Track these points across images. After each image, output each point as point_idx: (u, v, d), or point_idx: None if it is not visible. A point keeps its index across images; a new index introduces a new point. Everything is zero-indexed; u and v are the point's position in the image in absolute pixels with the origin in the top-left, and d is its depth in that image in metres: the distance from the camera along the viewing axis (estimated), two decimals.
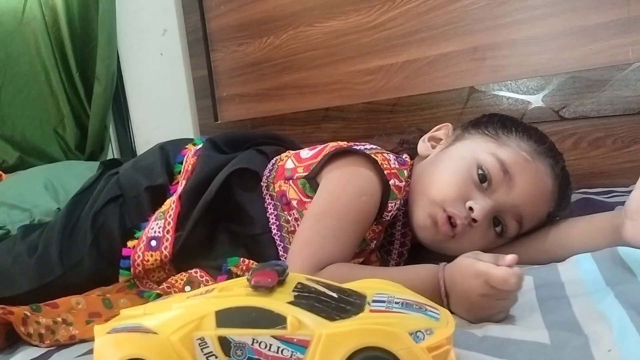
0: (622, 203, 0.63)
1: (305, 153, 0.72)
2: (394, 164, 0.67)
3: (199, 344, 0.37)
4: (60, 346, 0.61)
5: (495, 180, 0.63)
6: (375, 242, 0.68)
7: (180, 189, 0.72)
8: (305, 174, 0.67)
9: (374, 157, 0.65)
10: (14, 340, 0.63)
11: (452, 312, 0.46)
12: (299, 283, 0.41)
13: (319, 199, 0.64)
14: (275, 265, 0.40)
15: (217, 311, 0.37)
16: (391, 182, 0.64)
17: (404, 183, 0.66)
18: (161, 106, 1.61)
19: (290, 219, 0.67)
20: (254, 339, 0.36)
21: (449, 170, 0.65)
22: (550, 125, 0.94)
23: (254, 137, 0.82)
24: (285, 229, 0.67)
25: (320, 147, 0.71)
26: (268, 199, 0.69)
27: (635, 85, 0.88)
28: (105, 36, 1.52)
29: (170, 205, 0.70)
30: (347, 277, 0.45)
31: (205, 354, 0.37)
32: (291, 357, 0.36)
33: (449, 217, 0.62)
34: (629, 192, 0.59)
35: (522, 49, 1.00)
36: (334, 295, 0.40)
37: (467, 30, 1.06)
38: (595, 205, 0.77)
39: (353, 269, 0.60)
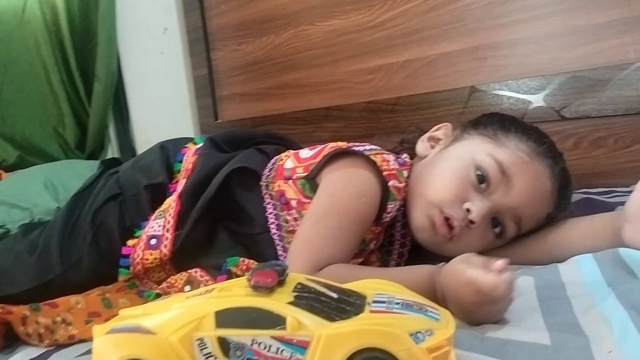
0: (623, 203, 0.63)
1: (304, 153, 0.71)
2: (394, 164, 0.66)
3: (198, 345, 0.37)
4: (60, 346, 0.61)
5: (493, 182, 0.62)
6: (374, 242, 0.68)
7: (180, 187, 0.72)
8: (305, 174, 0.67)
9: (373, 158, 0.65)
10: (13, 340, 0.63)
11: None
12: (298, 283, 0.41)
13: (319, 199, 0.64)
14: (275, 266, 0.40)
15: (217, 311, 0.37)
16: (390, 183, 0.64)
17: (403, 184, 0.66)
18: (161, 105, 1.61)
19: (289, 218, 0.67)
20: (253, 340, 0.36)
21: (446, 171, 0.65)
22: (551, 125, 0.94)
23: (255, 136, 0.82)
24: (285, 228, 0.67)
25: (319, 147, 0.70)
26: (267, 198, 0.69)
27: (636, 84, 0.88)
28: (105, 35, 1.52)
29: (170, 204, 0.70)
30: (346, 277, 0.45)
31: (204, 355, 0.37)
32: (291, 357, 0.36)
33: (447, 219, 0.62)
34: (630, 192, 0.59)
35: (523, 49, 1.00)
36: (334, 295, 0.40)
37: (468, 29, 1.05)
38: (596, 205, 0.77)
39: (352, 270, 0.60)
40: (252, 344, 0.36)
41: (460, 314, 0.49)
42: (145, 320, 0.39)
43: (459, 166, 0.64)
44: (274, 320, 0.36)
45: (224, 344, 0.37)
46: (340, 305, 0.39)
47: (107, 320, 0.43)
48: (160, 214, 0.70)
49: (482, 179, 0.63)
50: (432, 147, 0.72)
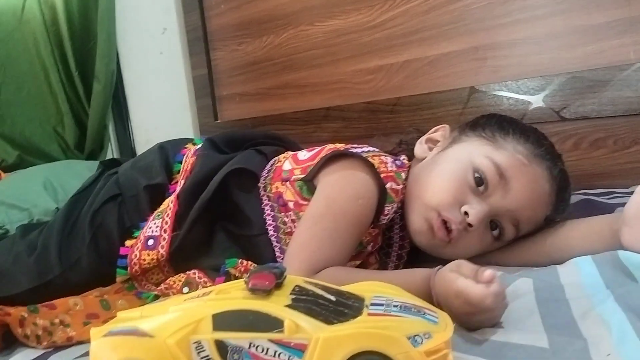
0: (623, 204, 0.62)
1: (302, 155, 0.71)
2: (391, 166, 0.66)
3: (196, 348, 0.37)
4: (58, 348, 0.61)
5: (491, 184, 0.62)
6: (372, 245, 0.68)
7: (179, 188, 0.72)
8: (303, 176, 0.67)
9: (370, 160, 0.65)
10: (11, 342, 0.63)
11: None
12: (296, 286, 0.40)
13: (316, 201, 0.64)
14: (273, 268, 0.40)
15: (214, 314, 0.37)
16: (388, 185, 0.64)
17: (401, 186, 0.66)
18: (161, 105, 1.61)
19: (287, 220, 0.67)
20: (250, 343, 0.36)
21: (444, 173, 0.65)
22: (550, 126, 0.94)
23: (254, 137, 0.82)
24: (282, 230, 0.67)
25: (317, 149, 0.70)
26: (265, 200, 0.69)
27: (636, 85, 0.88)
28: (104, 35, 1.52)
29: (169, 204, 0.70)
30: (343, 281, 0.45)
31: (201, 358, 0.37)
32: None
33: (444, 222, 0.62)
34: (630, 193, 0.59)
35: (523, 49, 1.00)
36: (332, 298, 0.40)
37: (467, 30, 1.05)
38: (595, 207, 0.76)
39: (350, 273, 0.60)
40: (249, 347, 0.36)
41: (455, 320, 0.49)
42: (143, 323, 0.38)
43: (456, 169, 0.64)
44: (271, 323, 0.36)
45: (221, 347, 0.37)
46: (338, 308, 0.39)
47: (105, 321, 0.43)
48: (159, 215, 0.70)
49: (480, 181, 0.63)
50: (430, 149, 0.72)
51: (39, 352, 0.61)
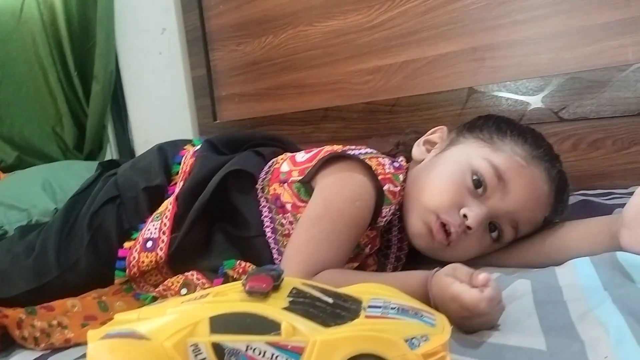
0: (621, 205, 0.63)
1: (300, 156, 0.71)
2: (389, 168, 0.66)
3: (193, 351, 0.37)
4: (55, 350, 0.61)
5: (490, 187, 0.62)
6: (369, 247, 0.68)
7: (177, 190, 0.72)
8: (300, 177, 0.67)
9: (368, 162, 0.65)
10: (9, 344, 0.63)
11: None
12: (294, 288, 0.40)
13: (313, 203, 0.64)
14: (271, 270, 0.40)
15: (211, 317, 0.37)
16: (385, 187, 0.64)
17: (399, 188, 0.65)
18: (160, 105, 1.61)
19: (284, 222, 0.67)
20: (248, 346, 0.36)
21: (442, 176, 0.64)
22: (549, 127, 0.94)
23: (253, 138, 0.82)
24: (280, 232, 0.67)
25: (315, 150, 0.70)
26: (263, 201, 0.69)
27: (635, 86, 0.88)
28: (103, 35, 1.52)
29: (167, 206, 0.70)
30: (341, 282, 0.45)
31: None
32: None
33: (443, 225, 0.62)
34: (629, 193, 0.59)
35: (522, 50, 1.00)
36: (330, 300, 0.40)
37: (466, 30, 1.05)
38: (594, 207, 0.76)
39: (347, 275, 0.60)
40: (246, 350, 0.36)
41: (452, 323, 0.48)
42: (140, 326, 0.38)
43: (455, 171, 0.64)
44: (268, 326, 0.36)
45: (218, 349, 0.36)
46: (335, 311, 0.38)
47: (103, 323, 0.43)
48: (158, 216, 0.70)
49: (478, 184, 0.62)
50: (428, 150, 0.72)
51: (36, 354, 0.60)
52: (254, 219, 0.68)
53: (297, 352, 0.36)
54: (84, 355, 0.56)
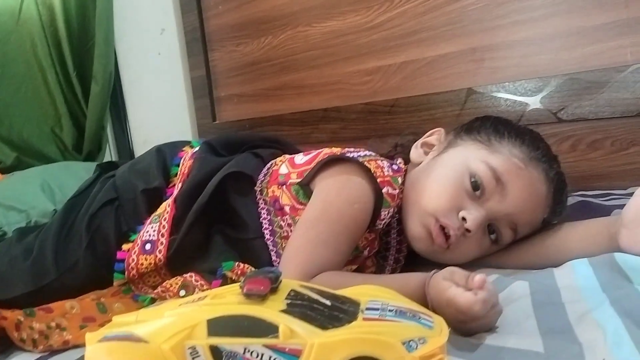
0: (620, 206, 0.63)
1: (299, 159, 0.71)
2: (388, 171, 0.66)
3: (190, 353, 0.37)
4: (54, 352, 0.61)
5: (488, 189, 0.62)
6: (368, 249, 0.68)
7: (176, 192, 0.71)
8: (299, 180, 0.67)
9: (367, 165, 0.65)
10: (7, 346, 0.63)
11: None
12: (292, 290, 0.40)
13: (312, 206, 0.64)
14: (268, 273, 0.40)
15: (209, 320, 0.37)
16: (384, 190, 0.64)
17: (397, 190, 0.65)
18: (159, 106, 1.61)
19: (283, 224, 0.67)
20: (245, 348, 0.36)
21: (440, 178, 0.64)
22: (548, 127, 0.94)
23: (252, 140, 0.82)
24: (279, 234, 0.67)
25: (314, 152, 0.70)
26: (262, 203, 0.69)
27: (633, 87, 0.88)
28: (102, 35, 1.52)
29: (166, 208, 0.70)
30: (339, 285, 0.44)
31: None
32: None
33: (442, 228, 0.62)
34: (627, 194, 0.59)
35: (521, 50, 1.00)
36: (327, 302, 0.40)
37: (465, 31, 1.05)
38: (592, 208, 0.76)
39: (346, 277, 0.60)
40: (244, 353, 0.36)
41: (450, 326, 0.49)
42: (138, 328, 0.38)
43: (453, 174, 0.64)
44: (266, 329, 0.36)
45: (216, 352, 0.36)
46: (333, 313, 0.39)
47: (101, 325, 0.43)
48: (156, 218, 0.70)
49: (476, 186, 0.62)
50: (426, 153, 0.71)
51: (35, 356, 0.60)
52: (253, 221, 0.68)
53: (295, 354, 0.36)
54: (82, 358, 0.56)
